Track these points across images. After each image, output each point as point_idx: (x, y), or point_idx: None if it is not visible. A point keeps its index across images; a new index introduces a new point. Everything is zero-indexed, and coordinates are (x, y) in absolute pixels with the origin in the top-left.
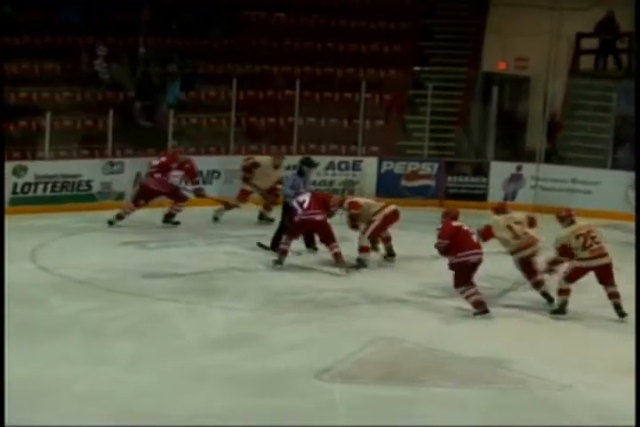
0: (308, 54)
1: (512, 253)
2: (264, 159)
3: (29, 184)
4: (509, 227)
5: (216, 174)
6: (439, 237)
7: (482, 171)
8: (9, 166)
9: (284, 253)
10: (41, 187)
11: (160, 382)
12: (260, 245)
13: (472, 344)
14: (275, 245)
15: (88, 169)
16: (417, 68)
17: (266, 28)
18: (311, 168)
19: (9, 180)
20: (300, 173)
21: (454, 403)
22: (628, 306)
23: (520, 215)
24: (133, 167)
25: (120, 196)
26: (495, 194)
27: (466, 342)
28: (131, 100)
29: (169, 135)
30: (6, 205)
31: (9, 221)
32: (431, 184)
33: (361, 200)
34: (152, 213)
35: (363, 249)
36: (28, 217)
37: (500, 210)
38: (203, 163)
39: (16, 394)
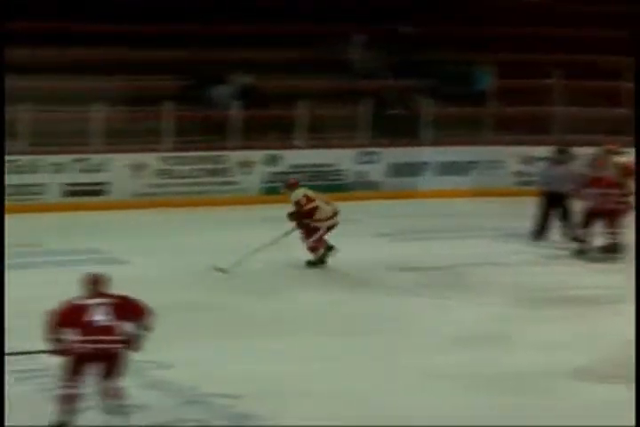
0: (564, 41)
1: None
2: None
3: (283, 173)
4: None
5: (472, 165)
6: None
7: None
8: (261, 155)
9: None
10: (294, 176)
11: (408, 381)
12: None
13: None
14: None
15: (342, 158)
16: None
17: (521, 14)
18: (565, 156)
19: (261, 169)
20: (557, 162)
21: None
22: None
23: None
24: (388, 157)
25: (375, 186)
26: None
27: None
28: (385, 88)
29: (420, 124)
30: (257, 194)
31: (258, 211)
32: None
33: None
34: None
35: None
36: (280, 206)
37: None
38: (456, 153)
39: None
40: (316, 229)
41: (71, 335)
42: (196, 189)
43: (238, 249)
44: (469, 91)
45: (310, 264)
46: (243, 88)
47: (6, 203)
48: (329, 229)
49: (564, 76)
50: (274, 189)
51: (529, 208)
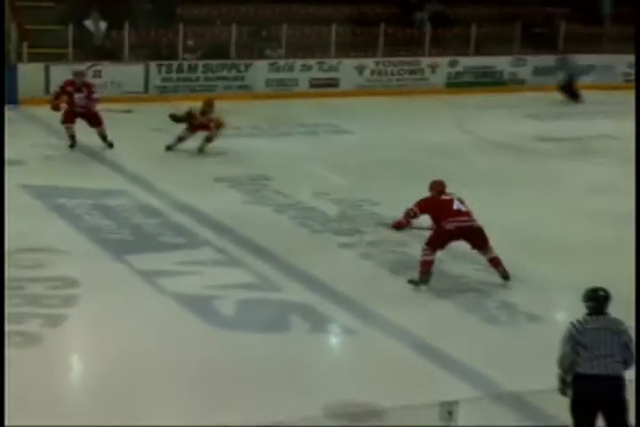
0: None
1: None
2: None
3: (459, 73)
4: None
5: (593, 68)
6: None
7: None
8: (445, 60)
9: None
10: (468, 75)
11: None
12: None
13: None
14: None
15: (500, 63)
16: None
17: None
18: None
19: (445, 70)
20: None
21: None
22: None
23: None
24: (533, 62)
25: (523, 82)
26: None
27: None
28: (533, 13)
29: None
30: (442, 86)
31: (443, 101)
32: None
33: None
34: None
35: None
36: (458, 97)
37: None
38: (582, 59)
39: None
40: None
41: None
42: (399, 83)
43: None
44: (595, 15)
45: None
46: (434, 14)
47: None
48: None
49: None
50: (453, 84)
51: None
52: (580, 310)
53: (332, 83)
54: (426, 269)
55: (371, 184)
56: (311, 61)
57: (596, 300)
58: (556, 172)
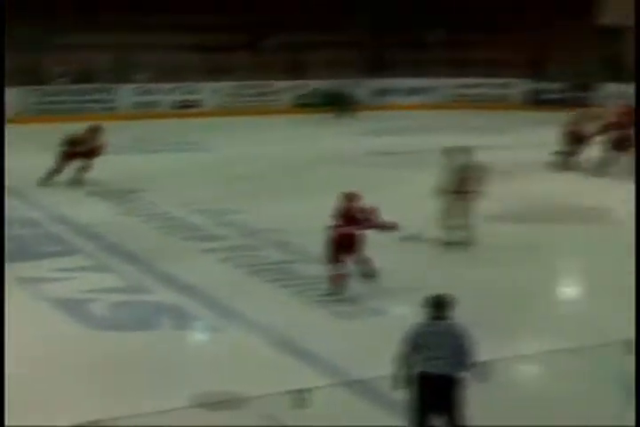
0: None
1: None
2: None
3: (305, 95)
4: None
5: None
6: None
7: None
8: (292, 85)
9: None
10: (313, 96)
11: None
12: None
13: None
14: None
15: (343, 85)
16: None
17: None
18: None
19: (293, 92)
20: None
21: None
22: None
23: None
24: (371, 84)
25: (361, 102)
26: None
27: None
28: None
29: None
30: (290, 107)
31: (292, 120)
32: None
33: None
34: None
35: None
36: (305, 116)
37: None
38: None
39: None
40: None
41: None
42: (253, 104)
43: None
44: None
45: None
46: (284, 41)
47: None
48: None
49: None
50: (301, 104)
51: None
52: (413, 303)
53: (193, 104)
54: (337, 282)
55: (231, 195)
56: (173, 85)
57: (436, 306)
58: (390, 180)
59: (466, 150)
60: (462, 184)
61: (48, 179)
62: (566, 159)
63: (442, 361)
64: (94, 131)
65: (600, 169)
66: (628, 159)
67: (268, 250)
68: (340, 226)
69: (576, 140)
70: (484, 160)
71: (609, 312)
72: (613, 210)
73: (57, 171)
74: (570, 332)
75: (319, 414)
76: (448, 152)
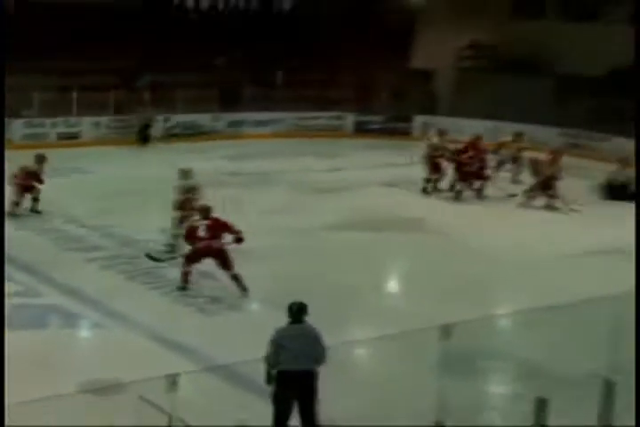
0: None
1: None
2: None
3: (172, 126)
4: None
5: None
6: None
7: None
8: (160, 117)
9: None
10: (178, 128)
11: None
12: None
13: None
14: None
15: (202, 118)
16: None
17: None
18: None
19: (160, 124)
20: None
21: None
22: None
23: None
24: (226, 116)
25: (219, 132)
26: None
27: None
28: None
29: None
30: (159, 136)
31: (161, 148)
32: None
33: None
34: None
35: None
36: (172, 144)
37: None
38: None
39: None
40: None
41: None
42: (124, 135)
43: None
44: (271, 80)
45: None
46: (151, 81)
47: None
48: None
49: None
50: (168, 135)
51: None
52: (263, 304)
53: (75, 135)
54: (184, 278)
55: (111, 210)
56: (58, 119)
57: (293, 311)
58: (243, 198)
59: (187, 172)
60: (185, 201)
61: (12, 212)
62: (427, 185)
63: (302, 359)
64: (42, 160)
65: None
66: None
67: (143, 258)
68: (206, 239)
69: (433, 167)
70: (322, 180)
71: (424, 304)
72: (429, 220)
73: (17, 203)
74: (392, 320)
75: (189, 396)
76: (182, 173)
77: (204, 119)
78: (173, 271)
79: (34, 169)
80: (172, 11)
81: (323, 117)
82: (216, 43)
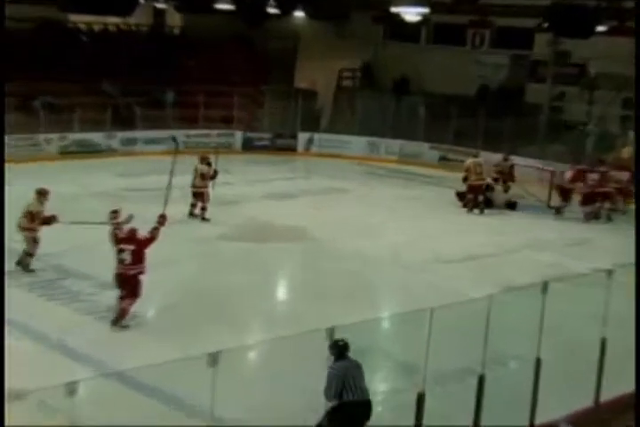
0: None
1: None
2: None
3: (68, 144)
4: None
5: None
6: None
7: None
8: (56, 136)
9: None
10: (74, 146)
11: None
12: None
13: None
14: None
15: (97, 137)
16: None
17: None
18: None
19: (57, 142)
20: None
21: None
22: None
23: None
24: (122, 135)
25: (114, 150)
26: None
27: None
28: None
29: None
30: (57, 154)
31: (59, 165)
32: None
33: None
34: None
35: None
36: (70, 161)
37: None
38: None
39: None
40: None
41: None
42: (26, 153)
43: None
44: (161, 102)
45: None
46: (48, 103)
47: None
48: None
49: None
50: (65, 152)
51: None
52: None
53: None
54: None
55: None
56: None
57: (339, 347)
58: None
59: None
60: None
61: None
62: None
63: (365, 390)
64: (44, 195)
65: None
66: None
67: (46, 270)
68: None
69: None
70: (215, 194)
71: (307, 307)
72: (311, 229)
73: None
74: (279, 324)
75: (87, 400)
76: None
77: (98, 137)
78: (71, 283)
79: (38, 209)
80: (64, 33)
81: (213, 135)
82: (106, 65)
